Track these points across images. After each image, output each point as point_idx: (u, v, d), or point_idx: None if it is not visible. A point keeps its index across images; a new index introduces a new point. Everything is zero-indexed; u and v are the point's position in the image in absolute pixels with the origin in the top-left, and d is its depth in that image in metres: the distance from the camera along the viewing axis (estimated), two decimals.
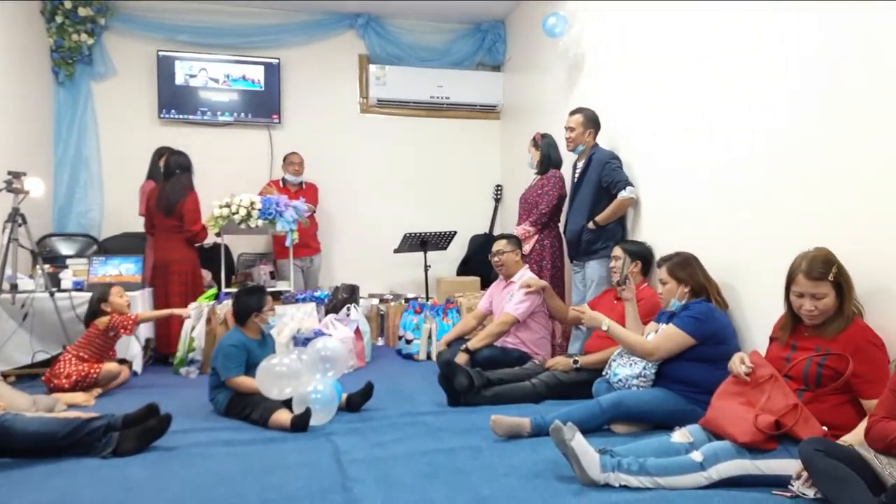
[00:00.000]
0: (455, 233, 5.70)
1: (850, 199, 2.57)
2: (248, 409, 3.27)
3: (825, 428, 2.26)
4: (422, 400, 3.66)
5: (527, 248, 4.52)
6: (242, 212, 4.71)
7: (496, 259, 4.20)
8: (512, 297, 4.03)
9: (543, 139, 4.64)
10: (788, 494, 2.16)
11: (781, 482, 2.22)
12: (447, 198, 6.44)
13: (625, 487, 2.27)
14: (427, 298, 5.60)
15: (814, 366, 2.34)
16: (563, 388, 3.50)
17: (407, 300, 5.53)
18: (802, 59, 2.80)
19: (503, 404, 3.41)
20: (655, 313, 3.25)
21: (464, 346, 3.95)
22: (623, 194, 3.92)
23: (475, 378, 3.47)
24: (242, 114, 6.22)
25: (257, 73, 6.22)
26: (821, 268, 2.34)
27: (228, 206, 4.73)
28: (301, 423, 3.08)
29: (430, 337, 4.88)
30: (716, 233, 3.34)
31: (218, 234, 4.92)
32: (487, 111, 6.67)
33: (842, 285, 2.35)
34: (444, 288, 5.64)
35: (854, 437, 2.15)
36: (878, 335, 2.33)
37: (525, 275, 4.13)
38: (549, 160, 4.59)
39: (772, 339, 2.60)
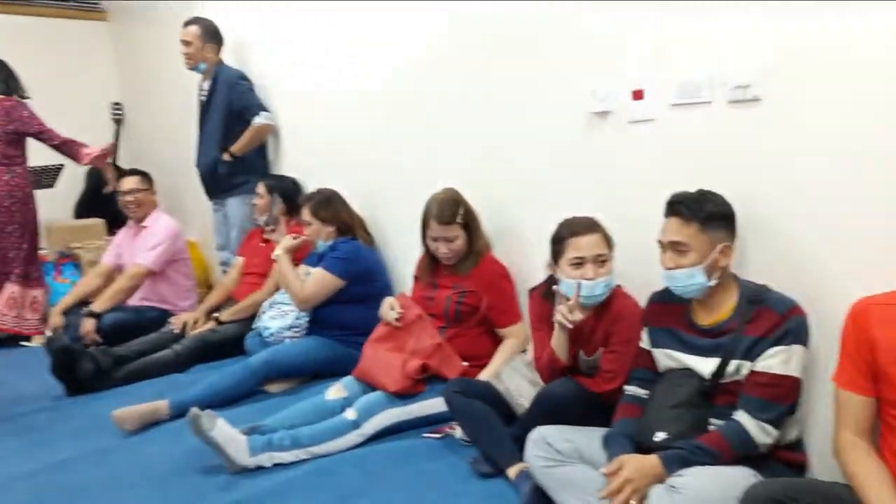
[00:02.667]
0: (62, 166, 4.62)
1: (474, 138, 2.58)
2: None
3: (466, 363, 2.34)
4: (28, 389, 2.94)
5: None
6: None
7: (129, 199, 3.49)
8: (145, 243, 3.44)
9: None
10: (438, 435, 2.22)
11: (432, 421, 2.27)
12: (46, 121, 5.15)
13: (280, 465, 2.09)
14: None
15: (453, 304, 2.39)
16: (213, 349, 3.11)
17: None
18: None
19: (142, 381, 2.91)
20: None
21: (86, 309, 3.28)
22: (258, 121, 3.50)
23: (101, 360, 2.88)
24: None
25: None
26: (449, 211, 2.35)
27: None
28: None
29: None
30: (360, 163, 3.18)
31: None
32: (88, 10, 5.43)
33: (470, 225, 2.39)
34: (56, 237, 4.58)
35: (489, 372, 2.25)
36: (502, 265, 2.45)
37: (160, 218, 3.51)
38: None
39: (415, 279, 2.58)
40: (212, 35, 3.58)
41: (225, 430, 2.08)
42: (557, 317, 1.86)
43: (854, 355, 1.44)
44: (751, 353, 1.59)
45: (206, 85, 3.64)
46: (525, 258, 2.43)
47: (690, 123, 1.84)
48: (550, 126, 2.27)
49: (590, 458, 1.71)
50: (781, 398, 1.57)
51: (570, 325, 1.84)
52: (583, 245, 1.85)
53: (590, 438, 1.75)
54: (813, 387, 1.65)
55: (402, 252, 2.93)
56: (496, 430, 1.98)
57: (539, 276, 2.10)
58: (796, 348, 1.57)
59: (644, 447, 1.63)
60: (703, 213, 1.63)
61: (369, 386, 2.36)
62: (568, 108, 2.17)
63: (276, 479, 2.03)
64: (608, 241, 1.91)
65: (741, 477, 1.45)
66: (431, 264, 2.49)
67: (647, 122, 1.95)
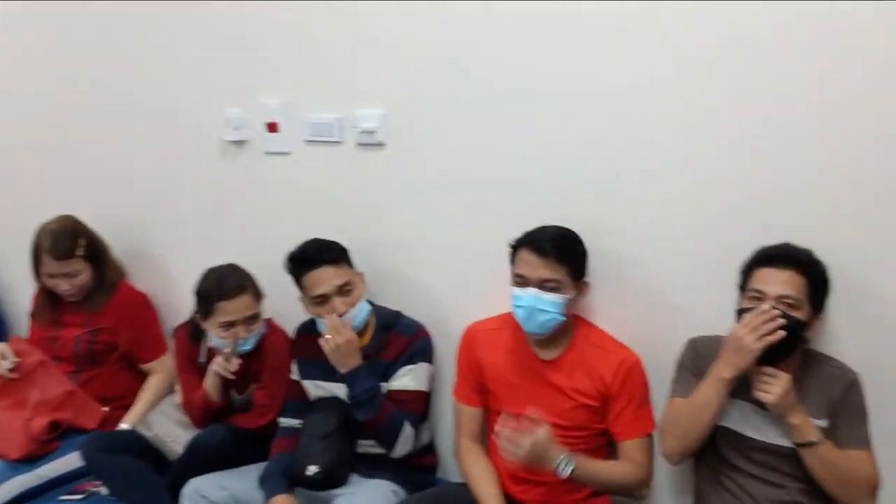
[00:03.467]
0: None
1: (104, 152, 2.26)
2: None
3: (106, 407, 2.11)
4: None
5: None
6: None
7: None
8: None
9: None
10: (79, 496, 1.98)
11: (70, 478, 1.99)
12: None
13: None
14: None
15: (84, 344, 2.10)
16: None
17: None
18: None
19: None
20: None
21: None
22: None
23: None
24: None
25: None
26: (66, 245, 2.02)
27: None
28: None
29: None
30: None
31: None
32: None
33: (95, 256, 2.10)
34: None
35: (134, 416, 2.07)
36: (141, 294, 2.23)
37: None
38: None
39: (33, 317, 2.20)
40: None
41: None
42: (215, 367, 1.82)
43: (466, 373, 1.70)
44: (386, 375, 1.76)
45: None
46: (167, 282, 2.24)
47: (324, 160, 1.88)
48: (186, 148, 2.10)
49: (247, 501, 1.72)
50: (416, 410, 1.78)
51: (231, 376, 1.81)
52: (233, 309, 1.80)
53: (245, 480, 1.76)
54: (440, 397, 1.89)
55: (14, 282, 2.47)
56: (147, 482, 1.86)
57: (185, 301, 1.96)
58: (423, 365, 1.79)
59: (299, 481, 1.70)
60: (341, 252, 1.75)
61: None
62: (203, 132, 2.03)
63: None
64: (258, 296, 1.87)
65: (383, 497, 1.62)
66: (51, 301, 2.13)
67: (283, 155, 1.94)
